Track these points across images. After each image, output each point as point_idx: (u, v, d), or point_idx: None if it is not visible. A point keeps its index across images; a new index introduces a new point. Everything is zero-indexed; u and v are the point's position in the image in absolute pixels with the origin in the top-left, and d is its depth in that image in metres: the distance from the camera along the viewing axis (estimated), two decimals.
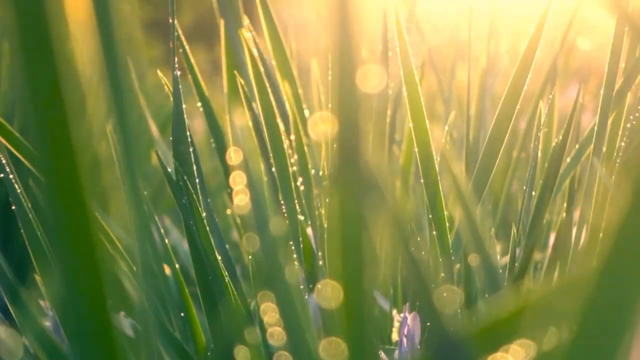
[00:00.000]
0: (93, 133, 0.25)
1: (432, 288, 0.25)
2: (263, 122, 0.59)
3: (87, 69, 0.24)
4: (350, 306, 0.27)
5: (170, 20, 0.54)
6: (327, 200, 0.26)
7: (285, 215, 0.60)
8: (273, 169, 0.60)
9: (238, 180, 0.30)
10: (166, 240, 0.67)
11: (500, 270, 0.68)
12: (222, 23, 0.70)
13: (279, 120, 0.60)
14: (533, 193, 0.68)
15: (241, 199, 0.30)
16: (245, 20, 0.69)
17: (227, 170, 0.70)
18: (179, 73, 0.54)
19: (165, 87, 0.58)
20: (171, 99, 0.70)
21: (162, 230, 0.68)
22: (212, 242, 0.54)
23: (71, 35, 0.23)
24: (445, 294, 0.27)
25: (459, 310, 0.59)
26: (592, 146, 0.64)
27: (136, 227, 0.28)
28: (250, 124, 0.62)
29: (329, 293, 0.27)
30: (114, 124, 0.26)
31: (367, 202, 0.25)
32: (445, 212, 0.61)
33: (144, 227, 0.29)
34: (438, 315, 0.25)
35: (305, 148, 0.62)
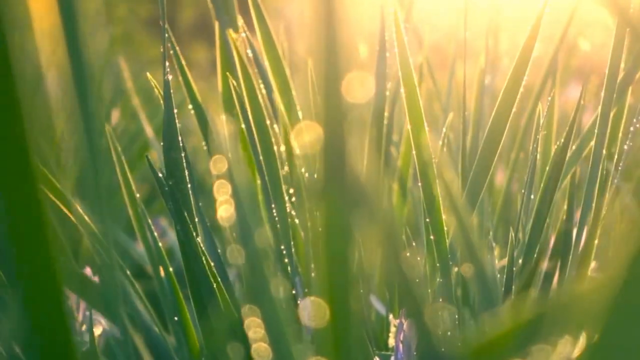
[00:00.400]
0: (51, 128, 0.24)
1: (424, 306, 0.24)
2: (253, 125, 0.58)
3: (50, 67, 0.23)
4: (337, 322, 0.26)
5: (161, 23, 0.53)
6: (314, 211, 0.25)
7: (277, 218, 0.59)
8: (265, 171, 0.59)
9: (223, 190, 0.29)
10: (159, 243, 0.66)
11: (499, 275, 0.68)
12: (217, 24, 0.69)
13: (269, 122, 0.59)
14: (532, 196, 0.67)
15: (226, 210, 0.29)
16: (240, 21, 0.68)
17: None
18: (170, 77, 0.53)
19: (156, 89, 0.57)
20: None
21: (155, 233, 0.67)
22: (203, 249, 0.53)
23: (35, 34, 0.22)
24: (439, 309, 0.26)
25: (453, 325, 0.58)
26: (592, 142, 0.63)
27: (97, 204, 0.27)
28: (243, 126, 0.61)
29: (316, 309, 0.26)
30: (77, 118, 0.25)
31: (354, 214, 0.24)
32: (444, 216, 0.60)
33: (103, 202, 0.28)
34: (430, 334, 0.24)
35: (297, 151, 0.61)
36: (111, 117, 1.65)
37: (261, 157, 0.60)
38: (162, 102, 0.56)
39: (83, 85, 0.24)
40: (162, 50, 0.54)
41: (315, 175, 0.25)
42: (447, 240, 0.59)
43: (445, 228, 0.59)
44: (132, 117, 1.61)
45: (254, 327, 0.29)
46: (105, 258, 0.35)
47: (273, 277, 0.27)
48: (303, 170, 0.60)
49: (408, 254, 0.65)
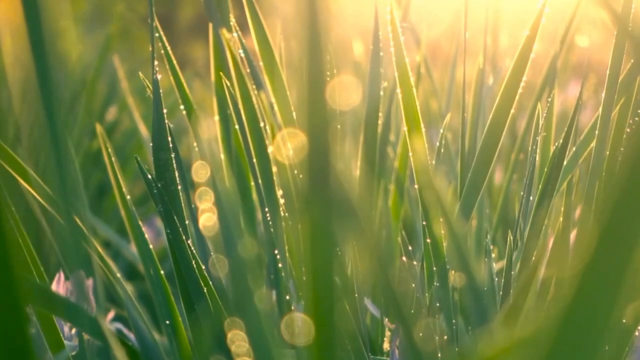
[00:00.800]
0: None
1: (413, 322, 0.23)
2: (246, 126, 0.57)
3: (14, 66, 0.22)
4: (324, 334, 0.24)
5: (150, 21, 0.52)
6: (297, 223, 0.24)
7: (270, 222, 0.58)
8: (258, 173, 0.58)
9: (205, 197, 0.27)
10: (150, 245, 0.65)
11: (496, 279, 0.66)
12: (210, 24, 0.68)
13: (262, 124, 0.58)
14: (531, 198, 0.66)
15: (209, 218, 0.28)
16: (232, 20, 0.67)
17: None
18: (160, 76, 0.52)
19: (148, 90, 0.56)
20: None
21: (145, 235, 0.66)
22: (194, 252, 0.52)
23: None
24: (429, 325, 0.25)
25: (449, 333, 0.57)
26: (593, 144, 0.62)
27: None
28: (237, 127, 0.60)
29: (303, 320, 0.24)
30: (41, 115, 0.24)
31: (339, 227, 0.23)
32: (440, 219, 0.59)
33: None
34: (419, 352, 0.23)
35: (284, 155, 0.59)
36: (107, 115, 1.64)
37: (255, 160, 0.59)
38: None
39: (47, 83, 0.23)
40: (151, 49, 0.53)
41: (300, 181, 0.24)
42: (444, 244, 0.58)
43: (443, 231, 0.58)
44: (129, 115, 1.60)
45: (238, 341, 0.28)
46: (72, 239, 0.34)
47: (258, 288, 0.26)
48: (295, 172, 0.59)
49: (404, 258, 0.64)
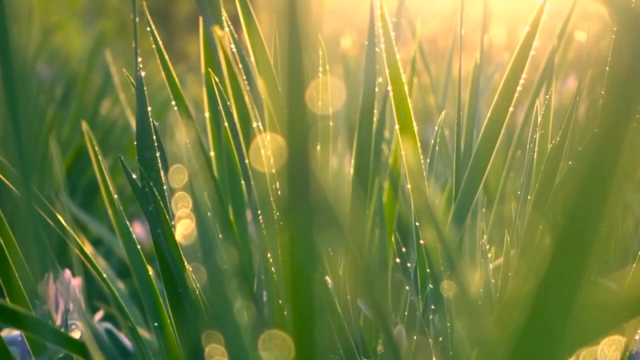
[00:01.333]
0: None
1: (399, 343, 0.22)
2: (238, 123, 0.55)
3: None
4: (302, 353, 0.23)
5: (132, 16, 0.51)
6: (278, 233, 0.22)
7: (261, 222, 0.56)
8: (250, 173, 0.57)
9: (184, 204, 0.26)
10: (138, 246, 0.63)
11: (493, 280, 0.65)
12: (201, 20, 0.66)
13: (252, 120, 0.56)
14: (529, 197, 0.64)
15: (186, 226, 0.27)
16: (224, 14, 0.65)
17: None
18: (143, 74, 0.50)
19: (132, 86, 0.54)
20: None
21: (133, 235, 0.64)
22: (180, 255, 0.50)
23: None
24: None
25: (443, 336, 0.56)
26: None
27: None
28: (227, 124, 0.58)
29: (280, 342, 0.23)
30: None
31: (321, 237, 0.21)
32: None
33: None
34: None
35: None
36: (101, 109, 1.63)
37: (247, 160, 0.57)
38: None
39: (10, 75, 0.21)
40: (134, 45, 0.51)
41: (279, 194, 0.22)
42: (438, 246, 0.57)
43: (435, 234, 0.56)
44: (123, 110, 1.58)
45: (217, 356, 0.26)
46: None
47: (236, 300, 0.25)
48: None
49: (398, 260, 0.63)
